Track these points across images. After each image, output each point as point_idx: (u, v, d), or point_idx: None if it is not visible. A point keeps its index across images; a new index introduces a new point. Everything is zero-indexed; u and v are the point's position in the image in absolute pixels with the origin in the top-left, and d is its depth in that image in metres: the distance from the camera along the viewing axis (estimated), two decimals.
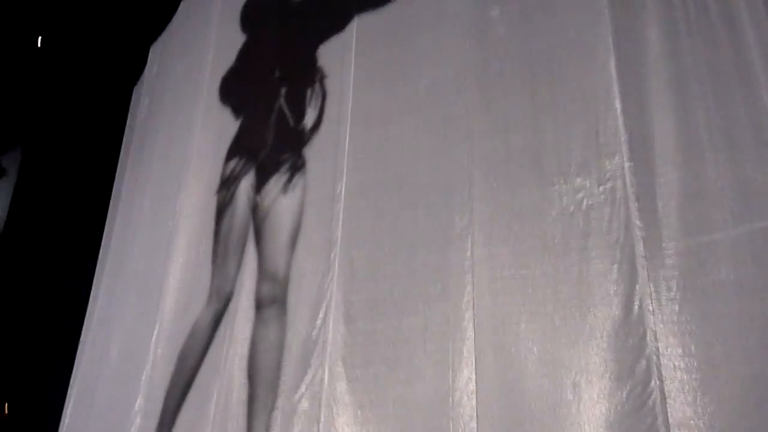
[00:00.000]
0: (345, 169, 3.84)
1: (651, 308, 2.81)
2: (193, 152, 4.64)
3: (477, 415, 2.94)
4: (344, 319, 3.45)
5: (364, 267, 3.54)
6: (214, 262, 4.18)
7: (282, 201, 4.08)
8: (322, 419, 3.27)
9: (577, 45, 3.46)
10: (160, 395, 3.95)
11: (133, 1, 5.64)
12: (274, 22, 4.83)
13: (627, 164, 3.08)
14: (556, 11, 3.60)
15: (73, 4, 5.73)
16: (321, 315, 3.53)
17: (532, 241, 3.15)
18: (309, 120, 4.21)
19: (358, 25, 4.28)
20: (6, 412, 5.34)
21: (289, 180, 4.10)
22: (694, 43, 3.24)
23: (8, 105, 6.11)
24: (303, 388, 3.42)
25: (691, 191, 2.97)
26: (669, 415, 2.62)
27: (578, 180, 3.17)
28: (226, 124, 4.62)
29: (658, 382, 2.68)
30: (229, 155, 4.48)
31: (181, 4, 5.42)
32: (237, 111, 4.66)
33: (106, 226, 5.16)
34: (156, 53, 5.52)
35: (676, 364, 2.71)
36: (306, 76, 4.37)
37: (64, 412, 4.51)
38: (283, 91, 4.45)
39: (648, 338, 2.76)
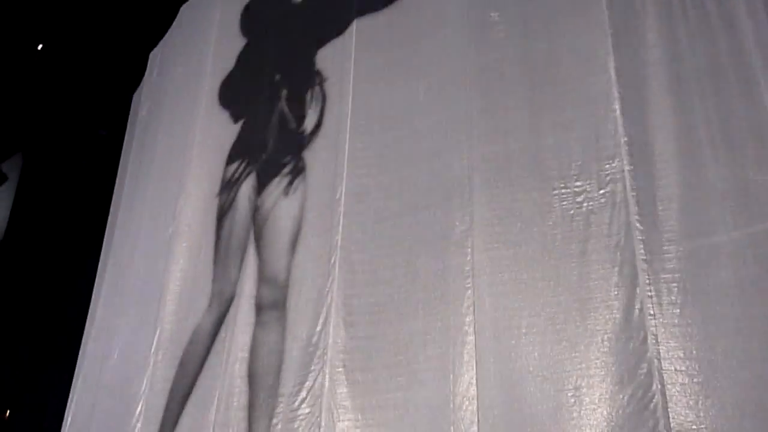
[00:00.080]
0: (345, 173, 3.84)
1: (652, 311, 2.80)
2: (193, 157, 4.64)
3: (478, 420, 2.93)
4: (344, 323, 3.45)
5: (365, 271, 3.54)
6: (215, 265, 4.18)
7: (282, 204, 4.08)
8: (323, 424, 3.27)
9: (577, 48, 3.46)
10: (160, 401, 3.95)
11: (132, 8, 5.66)
12: (274, 26, 4.84)
13: (627, 167, 3.08)
14: (556, 15, 3.61)
15: (74, 11, 5.74)
16: (321, 319, 3.52)
17: (533, 244, 3.15)
18: (309, 123, 4.22)
19: (357, 28, 4.28)
20: (7, 417, 5.34)
21: (290, 183, 4.10)
22: (693, 45, 3.24)
23: (9, 111, 6.12)
24: (304, 392, 3.42)
25: (691, 194, 2.97)
26: (670, 418, 2.61)
27: (578, 183, 3.17)
28: (226, 128, 4.63)
29: (659, 386, 2.67)
30: (230, 159, 4.48)
31: (181, 10, 5.42)
32: (237, 115, 4.66)
33: (107, 231, 5.16)
34: (155, 59, 5.53)
35: (678, 367, 2.70)
36: (306, 79, 4.38)
37: (64, 417, 4.51)
38: (283, 93, 4.45)
39: (649, 341, 2.75)
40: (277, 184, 4.15)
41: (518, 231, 3.22)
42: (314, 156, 4.10)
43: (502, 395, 2.94)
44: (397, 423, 3.13)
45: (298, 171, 4.11)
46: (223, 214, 4.33)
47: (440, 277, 3.30)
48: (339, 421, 3.24)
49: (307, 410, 3.37)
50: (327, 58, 4.38)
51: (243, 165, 4.38)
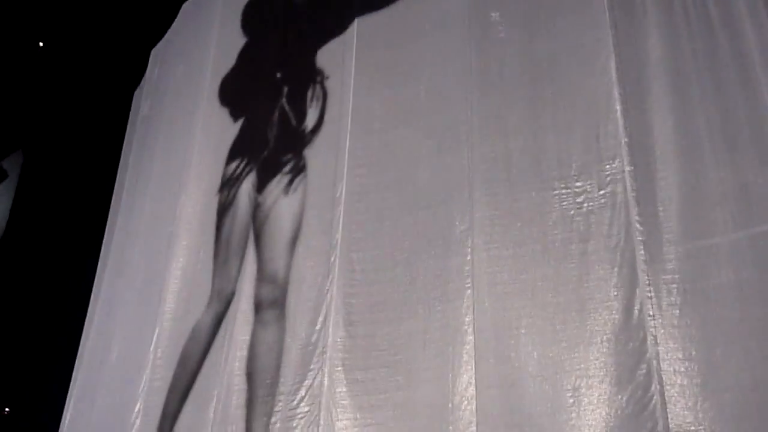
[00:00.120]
0: (345, 172, 3.84)
1: (651, 312, 2.80)
2: (194, 154, 4.63)
3: (476, 420, 2.93)
4: (344, 322, 3.45)
5: (364, 270, 3.53)
6: (215, 262, 4.18)
7: (283, 203, 4.08)
8: (322, 422, 3.27)
9: (578, 49, 3.46)
10: (160, 398, 3.95)
11: (133, 6, 5.65)
12: (276, 24, 4.84)
13: (627, 168, 3.08)
14: (557, 15, 3.61)
15: (74, 9, 5.74)
16: (321, 318, 3.52)
17: (533, 245, 3.15)
18: (310, 121, 4.22)
19: (358, 27, 4.28)
20: (6, 414, 5.34)
21: (291, 182, 4.10)
22: (694, 47, 3.24)
23: (10, 109, 6.12)
24: (303, 391, 3.42)
25: (691, 195, 2.97)
26: (669, 419, 2.61)
27: (578, 184, 3.17)
28: (227, 126, 4.63)
29: (658, 387, 2.67)
30: (231, 156, 4.48)
31: (182, 8, 5.42)
32: (238, 112, 4.66)
33: (107, 229, 5.16)
34: (156, 57, 5.53)
35: (677, 368, 2.70)
36: (307, 77, 4.37)
37: (64, 414, 4.51)
38: (285, 90, 4.45)
39: (648, 342, 2.75)
40: (278, 183, 4.15)
41: (518, 231, 3.22)
42: (315, 154, 4.10)
43: (501, 395, 2.94)
44: (396, 422, 3.13)
45: (299, 170, 4.11)
46: (223, 211, 4.33)
47: (440, 276, 3.30)
48: (338, 420, 3.24)
49: (306, 409, 3.37)
50: (328, 56, 4.38)
51: (244, 162, 4.38)
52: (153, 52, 5.57)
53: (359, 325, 3.41)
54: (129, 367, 4.19)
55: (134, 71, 5.60)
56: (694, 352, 2.70)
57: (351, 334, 3.40)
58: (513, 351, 2.99)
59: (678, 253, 2.88)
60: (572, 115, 3.33)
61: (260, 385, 3.61)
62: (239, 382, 3.68)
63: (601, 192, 3.10)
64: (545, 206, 3.19)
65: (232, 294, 3.98)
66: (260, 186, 4.23)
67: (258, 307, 3.86)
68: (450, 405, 3.01)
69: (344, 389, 3.29)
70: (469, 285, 3.20)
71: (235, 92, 4.76)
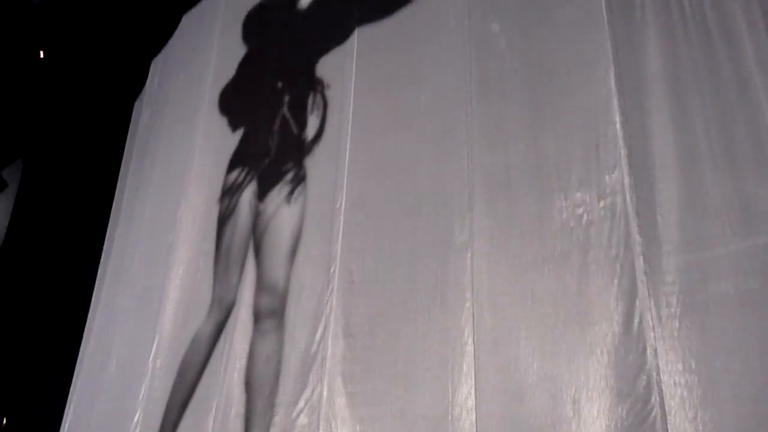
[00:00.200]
0: (345, 182, 3.85)
1: (651, 324, 2.79)
2: (194, 164, 4.64)
3: (476, 431, 2.92)
4: (343, 333, 3.44)
5: (364, 281, 3.53)
6: (215, 271, 4.18)
7: (283, 212, 4.08)
8: None
9: (577, 58, 3.46)
10: (159, 408, 3.94)
11: (134, 16, 5.67)
12: (276, 34, 4.85)
13: (627, 179, 3.08)
14: (556, 25, 3.61)
15: (75, 18, 5.75)
16: (320, 329, 3.52)
17: (532, 255, 3.15)
18: (311, 130, 4.22)
19: (359, 37, 4.29)
20: (4, 424, 5.32)
21: (291, 191, 4.10)
22: (693, 57, 3.24)
23: (10, 118, 6.12)
24: (302, 403, 3.41)
25: (691, 206, 2.96)
26: (669, 431, 2.60)
27: (578, 194, 3.17)
28: (227, 136, 4.63)
29: (658, 399, 2.66)
30: (232, 165, 4.48)
31: (183, 18, 5.44)
32: (238, 121, 4.67)
33: (107, 238, 5.16)
34: (157, 67, 5.54)
35: (677, 380, 2.69)
36: (308, 86, 4.38)
37: (62, 424, 4.50)
38: (286, 99, 4.45)
39: (648, 354, 2.74)
40: (279, 192, 4.15)
41: (518, 241, 3.21)
42: (315, 164, 4.11)
43: (501, 406, 2.94)
44: None
45: (300, 179, 4.11)
46: (224, 220, 4.33)
47: (439, 287, 3.30)
48: (337, 431, 3.23)
49: (305, 420, 3.37)
50: (328, 66, 4.39)
51: (245, 171, 4.38)
52: (153, 62, 5.58)
53: (359, 335, 3.40)
54: (128, 376, 4.19)
55: (135, 81, 5.62)
56: (694, 364, 2.69)
57: (350, 345, 3.40)
58: (513, 362, 2.98)
59: (678, 264, 2.87)
60: (572, 125, 3.33)
61: (259, 396, 3.60)
62: (238, 393, 3.68)
63: (601, 203, 3.09)
64: (545, 217, 3.19)
65: (233, 303, 3.97)
66: (261, 195, 4.24)
67: (257, 316, 3.86)
68: (450, 416, 3.00)
69: (343, 400, 3.28)
70: (468, 295, 3.20)
71: (235, 101, 4.77)
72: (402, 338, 3.29)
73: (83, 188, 5.72)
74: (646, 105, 3.21)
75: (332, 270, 3.64)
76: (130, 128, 5.56)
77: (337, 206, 3.79)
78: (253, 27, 5.00)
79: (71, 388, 4.64)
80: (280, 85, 4.57)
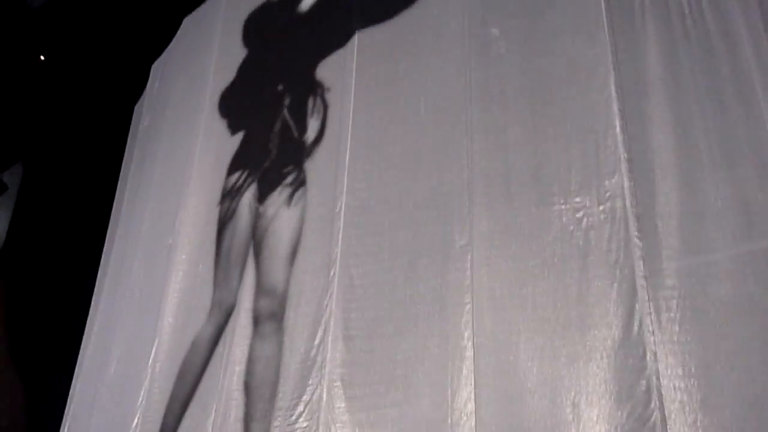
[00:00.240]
0: (345, 186, 3.84)
1: (651, 328, 2.79)
2: (194, 168, 4.64)
3: None
4: (343, 337, 3.43)
5: (364, 285, 3.53)
6: (215, 274, 4.17)
7: (283, 216, 4.08)
8: None
9: (577, 64, 3.47)
10: (158, 412, 3.92)
11: (135, 20, 5.67)
12: (276, 37, 4.86)
13: (627, 183, 3.08)
14: (556, 31, 3.62)
15: (76, 22, 5.76)
16: (320, 333, 3.51)
17: (532, 260, 3.15)
18: (311, 133, 4.22)
19: (358, 40, 4.30)
20: (2, 429, 5.32)
21: (291, 195, 4.10)
22: (693, 62, 3.25)
23: (10, 121, 6.13)
24: (301, 406, 3.40)
25: (691, 210, 2.97)
26: None
27: (578, 199, 3.17)
28: (227, 139, 4.63)
29: (658, 403, 2.66)
30: (232, 168, 4.48)
31: (183, 22, 5.44)
32: (239, 124, 4.67)
33: (106, 242, 5.16)
34: (157, 71, 5.54)
35: (677, 384, 2.69)
36: (308, 89, 4.39)
37: (61, 428, 4.49)
38: (286, 102, 4.46)
39: (648, 358, 2.74)
40: (279, 195, 4.15)
41: (517, 246, 3.21)
42: (315, 168, 4.11)
43: (501, 411, 2.93)
44: None
45: (300, 182, 4.11)
46: (224, 223, 4.32)
47: (439, 291, 3.29)
48: None
49: (304, 424, 3.36)
50: (328, 69, 4.40)
51: (245, 174, 4.38)
52: (154, 66, 5.58)
53: (358, 340, 3.40)
54: (128, 380, 4.18)
55: (135, 85, 5.62)
56: (694, 368, 2.69)
57: (350, 349, 3.39)
58: (513, 366, 2.98)
59: (678, 268, 2.87)
60: (572, 130, 3.33)
61: (258, 400, 3.60)
62: (237, 397, 3.67)
63: (601, 207, 3.10)
64: (545, 221, 3.19)
65: (233, 306, 3.97)
66: (261, 197, 4.23)
67: (257, 319, 3.85)
68: (449, 421, 2.99)
69: (343, 405, 3.27)
70: (468, 300, 3.19)
71: (236, 104, 4.78)
72: (402, 342, 3.28)
73: (83, 192, 5.73)
74: (646, 109, 3.22)
75: (332, 273, 3.64)
76: (130, 132, 5.55)
77: (337, 210, 3.79)
78: (253, 30, 5.00)
79: (70, 392, 4.63)
80: (280, 87, 4.57)
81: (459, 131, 3.64)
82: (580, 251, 3.06)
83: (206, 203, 4.46)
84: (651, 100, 3.22)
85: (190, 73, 5.17)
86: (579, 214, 3.13)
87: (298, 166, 4.16)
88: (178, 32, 5.44)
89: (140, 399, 4.01)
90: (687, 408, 2.64)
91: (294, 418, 3.40)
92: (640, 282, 2.88)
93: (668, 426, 2.61)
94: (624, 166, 3.11)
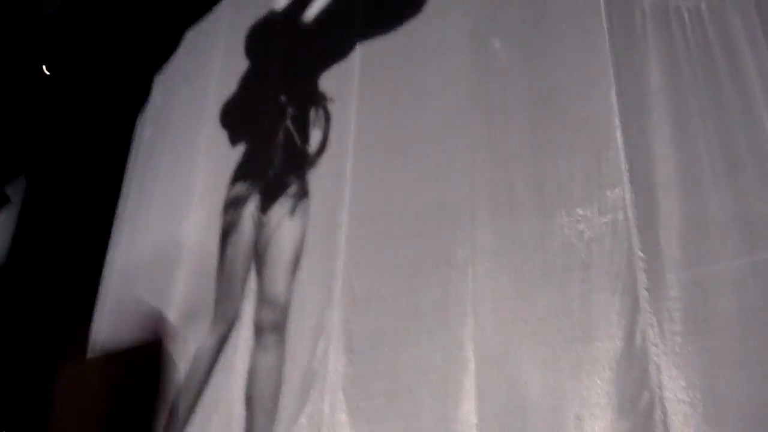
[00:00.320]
0: (347, 198, 3.84)
1: (653, 340, 2.79)
2: (197, 180, 4.64)
3: None
4: (345, 349, 3.43)
5: (366, 298, 3.52)
6: (218, 284, 4.16)
7: (286, 226, 4.08)
8: None
9: (578, 76, 3.48)
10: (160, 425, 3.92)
11: (137, 33, 5.69)
12: (279, 48, 4.87)
13: (628, 195, 3.08)
14: (557, 43, 3.63)
15: (78, 34, 5.78)
16: (321, 345, 3.50)
17: (534, 272, 3.15)
18: (314, 143, 4.23)
19: (361, 52, 4.31)
20: None
21: (294, 206, 4.10)
22: (694, 74, 3.25)
23: (12, 134, 6.14)
24: (303, 419, 3.39)
25: (693, 222, 2.97)
26: None
27: (579, 211, 3.17)
28: (230, 150, 4.64)
29: (661, 415, 2.66)
30: (235, 178, 4.48)
31: (186, 34, 5.46)
32: (241, 135, 4.67)
33: (109, 253, 5.16)
34: (160, 83, 5.55)
35: (680, 396, 2.68)
36: (311, 99, 4.39)
37: None
38: (289, 112, 4.46)
39: (651, 370, 2.74)
40: (281, 206, 4.15)
41: (519, 258, 3.21)
42: (318, 178, 4.11)
43: (503, 424, 2.92)
44: None
45: (303, 193, 4.11)
46: (227, 233, 4.32)
47: (441, 304, 3.29)
48: None
49: None
50: (331, 80, 4.40)
51: (248, 184, 4.38)
52: (156, 78, 5.60)
53: (360, 352, 3.39)
54: None
55: (137, 97, 5.63)
56: (697, 381, 2.69)
57: (352, 361, 3.39)
58: (515, 379, 2.97)
59: (680, 280, 2.87)
60: (573, 142, 3.34)
61: (260, 412, 3.59)
62: (239, 409, 3.66)
63: (603, 219, 3.10)
64: (546, 233, 3.19)
65: (236, 317, 3.96)
66: (264, 208, 4.23)
67: (258, 330, 3.84)
68: None
69: (345, 417, 3.27)
70: (470, 312, 3.19)
71: (238, 115, 4.78)
72: (404, 355, 3.28)
73: (86, 203, 5.73)
74: (648, 122, 3.22)
75: (334, 285, 3.63)
76: (132, 144, 5.56)
77: (340, 222, 3.79)
78: (255, 42, 5.01)
79: None
80: (283, 98, 4.58)
81: (461, 143, 3.64)
82: (582, 263, 3.05)
83: (209, 215, 4.46)
84: (652, 111, 3.22)
85: (193, 85, 5.18)
86: (581, 226, 3.13)
87: (301, 176, 4.16)
88: (181, 45, 5.46)
89: None
90: (691, 420, 2.63)
91: (296, 430, 3.39)
92: (643, 294, 2.87)
93: None
94: (626, 178, 3.11)
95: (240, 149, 4.61)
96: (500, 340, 3.07)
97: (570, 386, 2.85)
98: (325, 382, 3.39)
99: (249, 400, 3.65)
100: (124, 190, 5.37)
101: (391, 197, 3.75)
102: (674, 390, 2.69)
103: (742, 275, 2.79)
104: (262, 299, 3.93)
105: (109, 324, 4.72)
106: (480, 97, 3.71)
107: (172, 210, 4.69)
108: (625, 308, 2.89)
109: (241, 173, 4.48)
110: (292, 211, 4.09)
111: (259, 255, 4.10)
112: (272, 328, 3.79)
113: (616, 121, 3.24)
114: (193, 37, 5.42)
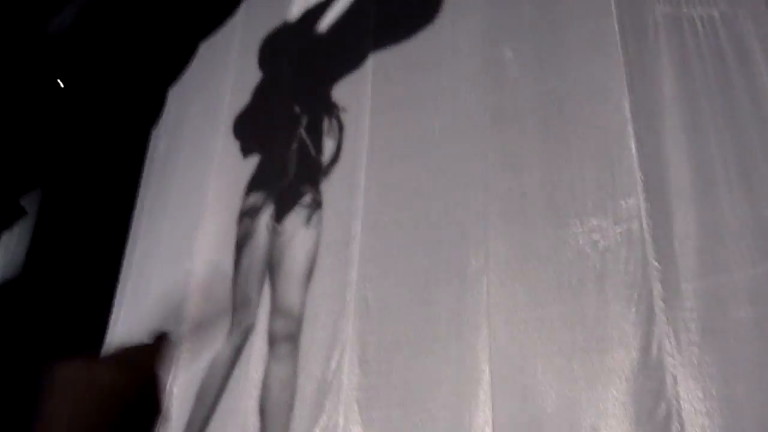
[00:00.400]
0: (361, 209, 3.85)
1: (670, 350, 2.76)
2: (211, 190, 4.66)
3: None
4: (359, 360, 3.42)
5: (380, 308, 3.52)
6: (234, 294, 4.16)
7: (299, 237, 4.08)
8: None
9: (591, 85, 3.47)
10: None
11: (151, 46, 5.73)
12: (292, 60, 4.89)
13: (643, 204, 3.06)
14: (570, 51, 3.62)
15: (93, 48, 5.83)
16: (336, 356, 3.50)
17: (548, 282, 3.13)
18: (327, 154, 4.23)
19: (373, 62, 4.32)
20: None
21: (308, 216, 4.10)
22: (708, 81, 3.23)
23: (28, 147, 6.19)
24: (317, 430, 3.39)
25: (708, 231, 2.94)
26: None
27: (594, 221, 3.15)
28: (244, 162, 4.65)
29: (678, 427, 2.62)
30: (250, 188, 4.49)
31: (200, 46, 5.50)
32: (254, 147, 4.69)
33: (124, 266, 5.18)
34: (174, 96, 5.59)
35: (697, 407, 2.65)
36: (324, 110, 4.40)
37: None
38: (303, 122, 4.47)
39: (667, 381, 2.71)
40: (296, 215, 4.16)
41: (533, 268, 3.20)
42: (331, 189, 4.12)
43: None
44: None
45: (317, 203, 4.12)
46: (242, 243, 4.33)
47: (455, 314, 3.28)
48: None
49: None
50: (344, 91, 4.42)
51: (263, 195, 4.40)
52: (170, 91, 5.63)
53: (374, 363, 3.38)
54: None
55: (151, 110, 5.67)
56: (714, 391, 2.65)
57: (366, 373, 3.38)
58: (530, 390, 2.95)
59: (696, 290, 2.84)
60: (587, 152, 3.32)
61: (274, 423, 3.58)
62: (253, 419, 3.66)
63: (617, 229, 3.08)
64: (561, 243, 3.17)
65: (251, 327, 3.96)
66: (279, 218, 4.24)
67: (272, 341, 3.84)
68: None
69: (360, 429, 3.25)
70: (485, 322, 3.17)
71: (252, 126, 4.80)
72: (418, 366, 3.27)
73: (101, 216, 5.76)
74: (661, 130, 3.20)
75: (348, 296, 3.63)
76: (147, 156, 5.60)
77: (353, 233, 3.79)
78: (268, 53, 5.04)
79: None
80: (296, 109, 4.60)
81: (474, 153, 3.63)
82: (596, 273, 3.03)
83: (224, 227, 4.47)
84: (666, 120, 3.20)
85: (206, 97, 5.21)
86: (595, 236, 3.11)
87: (315, 186, 4.17)
88: (195, 57, 5.49)
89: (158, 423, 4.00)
90: (708, 431, 2.60)
91: None
92: (659, 304, 2.85)
93: None
94: (640, 187, 3.09)
95: (254, 160, 4.63)
96: (515, 351, 3.06)
97: (585, 397, 2.83)
98: (339, 393, 3.38)
99: (263, 412, 3.65)
100: (139, 201, 5.40)
101: (404, 207, 3.75)
102: (691, 401, 2.66)
103: (758, 284, 2.76)
104: (276, 309, 3.93)
105: (124, 335, 4.74)
106: (492, 106, 3.70)
107: (186, 221, 4.71)
108: (641, 318, 2.86)
109: (256, 183, 4.49)
110: (307, 221, 4.09)
111: (273, 265, 4.11)
112: (286, 339, 3.79)
113: (630, 130, 3.22)
114: (206, 50, 5.45)
